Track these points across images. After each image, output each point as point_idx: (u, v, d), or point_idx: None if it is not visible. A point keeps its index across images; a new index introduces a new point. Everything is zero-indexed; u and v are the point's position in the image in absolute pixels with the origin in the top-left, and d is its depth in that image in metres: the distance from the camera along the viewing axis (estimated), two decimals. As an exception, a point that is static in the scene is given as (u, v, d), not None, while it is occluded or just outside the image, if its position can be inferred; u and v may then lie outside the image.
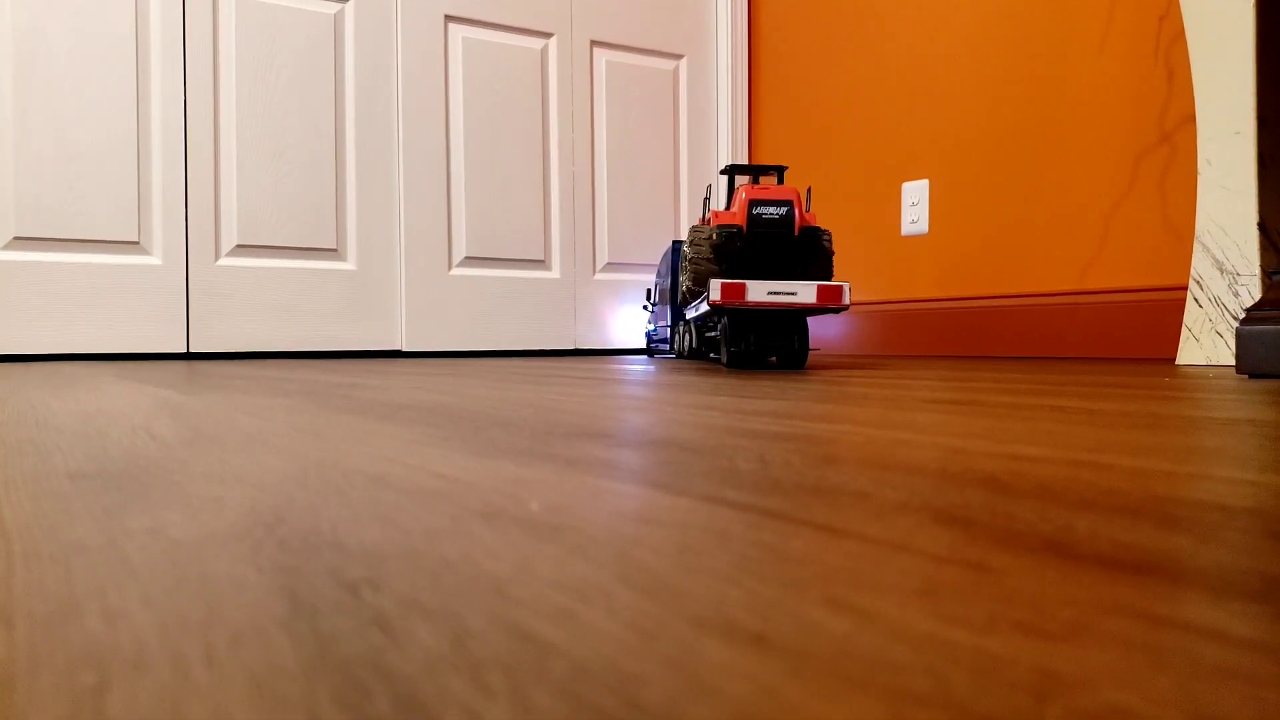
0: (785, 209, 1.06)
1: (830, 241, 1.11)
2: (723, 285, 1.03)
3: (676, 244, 1.55)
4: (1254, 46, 1.12)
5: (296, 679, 0.11)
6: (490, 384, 0.78)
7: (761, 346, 1.09)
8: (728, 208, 1.16)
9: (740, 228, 1.06)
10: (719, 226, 1.07)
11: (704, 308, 1.14)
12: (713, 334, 1.33)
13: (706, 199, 1.30)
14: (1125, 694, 0.11)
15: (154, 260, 1.64)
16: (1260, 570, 0.16)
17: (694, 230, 1.15)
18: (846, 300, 1.05)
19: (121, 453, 0.33)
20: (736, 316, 1.09)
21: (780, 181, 1.23)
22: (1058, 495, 0.24)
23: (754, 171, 1.25)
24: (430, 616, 0.14)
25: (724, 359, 1.13)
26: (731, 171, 1.25)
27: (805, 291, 1.05)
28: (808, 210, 1.13)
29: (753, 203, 1.06)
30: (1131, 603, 0.14)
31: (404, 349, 1.85)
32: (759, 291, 1.03)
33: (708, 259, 1.11)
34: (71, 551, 0.18)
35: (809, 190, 1.15)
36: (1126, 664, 0.12)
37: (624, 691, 0.11)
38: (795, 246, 1.07)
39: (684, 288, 1.16)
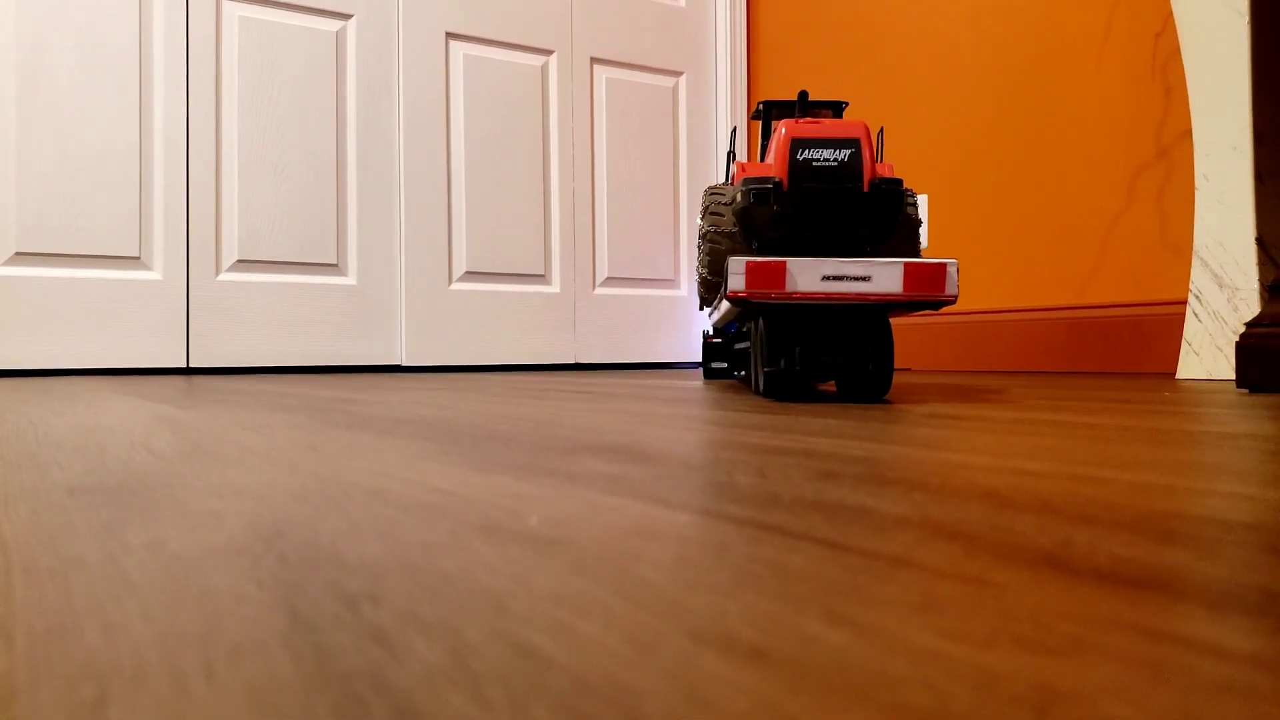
0: (848, 152, 0.68)
1: (916, 206, 0.76)
2: (749, 266, 0.65)
3: None
4: (1249, 63, 1.12)
5: (296, 693, 0.11)
6: (489, 398, 0.78)
7: (814, 364, 0.69)
8: (763, 159, 0.81)
9: (779, 181, 0.69)
10: (745, 182, 0.70)
11: (725, 306, 0.78)
12: (744, 344, 0.97)
13: (730, 152, 0.92)
14: (1124, 709, 0.11)
15: (154, 275, 1.65)
16: (1260, 585, 0.16)
17: (710, 193, 0.80)
18: (953, 289, 0.66)
19: (120, 467, 0.33)
20: (774, 317, 0.70)
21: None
22: (1058, 510, 0.24)
23: (802, 106, 0.82)
24: (429, 631, 0.14)
25: (756, 383, 0.77)
26: (768, 111, 0.87)
27: (885, 274, 0.66)
28: (880, 159, 0.77)
29: (797, 144, 0.68)
30: (1131, 617, 0.14)
31: (404, 364, 1.85)
32: (809, 275, 0.65)
33: (729, 233, 0.77)
34: (70, 566, 0.18)
35: (881, 131, 0.79)
36: (1126, 679, 0.12)
37: (623, 705, 0.11)
38: (864, 209, 0.69)
39: (698, 276, 0.83)
